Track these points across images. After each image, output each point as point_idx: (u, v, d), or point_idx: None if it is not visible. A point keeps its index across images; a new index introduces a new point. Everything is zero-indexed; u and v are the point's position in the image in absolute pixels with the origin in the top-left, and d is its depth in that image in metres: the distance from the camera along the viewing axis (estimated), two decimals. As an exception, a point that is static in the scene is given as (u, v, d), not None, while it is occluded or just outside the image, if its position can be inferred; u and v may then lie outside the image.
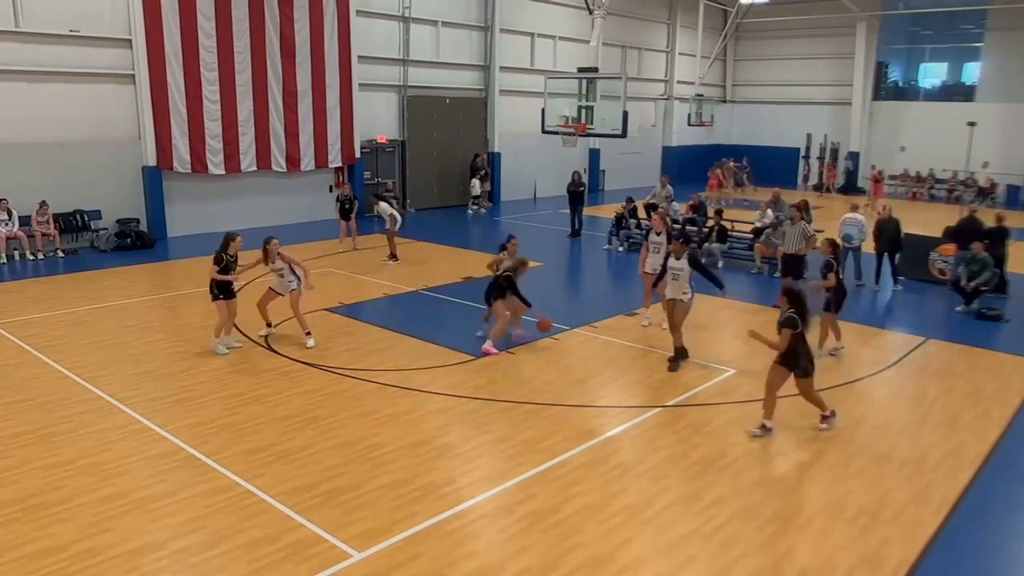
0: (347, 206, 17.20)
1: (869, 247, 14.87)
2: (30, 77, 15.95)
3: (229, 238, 10.02)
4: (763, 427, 7.86)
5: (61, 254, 16.20)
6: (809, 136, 33.92)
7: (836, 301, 10.26)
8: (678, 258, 9.86)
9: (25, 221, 15.85)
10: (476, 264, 16.07)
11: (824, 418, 8.04)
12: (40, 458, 7.04)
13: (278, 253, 10.34)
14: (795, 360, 7.67)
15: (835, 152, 32.99)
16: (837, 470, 7.15)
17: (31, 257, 15.82)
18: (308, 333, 10.53)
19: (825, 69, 34.02)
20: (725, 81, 37.50)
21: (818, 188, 32.33)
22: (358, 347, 10.49)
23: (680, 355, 9.99)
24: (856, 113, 32.99)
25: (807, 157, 33.96)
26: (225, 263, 9.90)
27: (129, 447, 7.32)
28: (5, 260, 15.38)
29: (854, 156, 32.87)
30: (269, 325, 10.77)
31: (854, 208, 15.26)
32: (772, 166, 31.87)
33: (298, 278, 10.52)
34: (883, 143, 32.76)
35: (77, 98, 16.69)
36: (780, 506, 6.47)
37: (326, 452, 7.27)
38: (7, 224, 15.49)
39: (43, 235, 16.02)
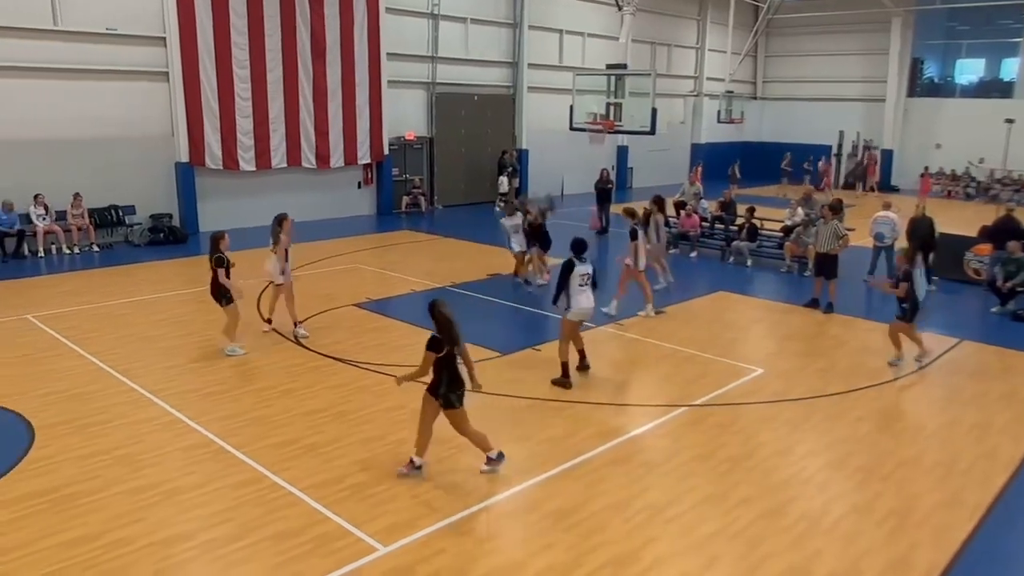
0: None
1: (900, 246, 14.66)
2: (68, 75, 16.27)
3: (218, 237, 9.71)
4: (411, 464, 6.77)
5: (96, 248, 16.51)
6: (841, 133, 33.44)
7: (911, 310, 9.79)
8: None
9: (61, 216, 16.19)
10: (503, 261, 16.08)
11: (489, 460, 6.81)
12: (75, 448, 7.20)
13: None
14: (436, 388, 6.57)
15: (867, 149, 32.48)
16: (866, 472, 7.06)
17: (67, 251, 16.13)
18: (298, 323, 10.74)
19: (858, 65, 33.45)
20: (755, 78, 37.08)
21: (851, 187, 31.81)
22: (386, 343, 10.56)
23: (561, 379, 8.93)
24: (890, 110, 32.42)
25: (839, 155, 33.48)
26: (227, 263, 9.68)
27: (161, 439, 7.45)
28: (43, 254, 15.72)
29: (888, 154, 32.32)
30: (269, 321, 10.84)
31: (887, 206, 15.03)
32: (802, 164, 31.33)
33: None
34: (918, 140, 32.17)
35: (113, 96, 16.98)
36: (808, 507, 6.40)
37: (353, 446, 7.34)
38: (44, 219, 15.83)
39: (79, 229, 16.34)
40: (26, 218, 15.68)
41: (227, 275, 9.69)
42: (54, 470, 6.77)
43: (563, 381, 8.92)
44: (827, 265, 12.53)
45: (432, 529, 5.92)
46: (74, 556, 5.50)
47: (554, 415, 8.17)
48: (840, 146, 33.56)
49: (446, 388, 6.52)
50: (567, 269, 8.78)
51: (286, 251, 10.42)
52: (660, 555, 5.67)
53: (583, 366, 9.33)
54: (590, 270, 8.87)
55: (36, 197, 15.74)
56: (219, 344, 10.05)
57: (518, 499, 6.48)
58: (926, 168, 28.51)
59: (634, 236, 11.93)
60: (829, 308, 12.44)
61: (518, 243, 13.49)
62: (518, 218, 13.49)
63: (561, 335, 9.00)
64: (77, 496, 6.32)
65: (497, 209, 24.10)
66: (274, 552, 5.60)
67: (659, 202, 13.65)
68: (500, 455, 6.84)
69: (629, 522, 6.10)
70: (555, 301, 8.98)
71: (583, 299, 8.82)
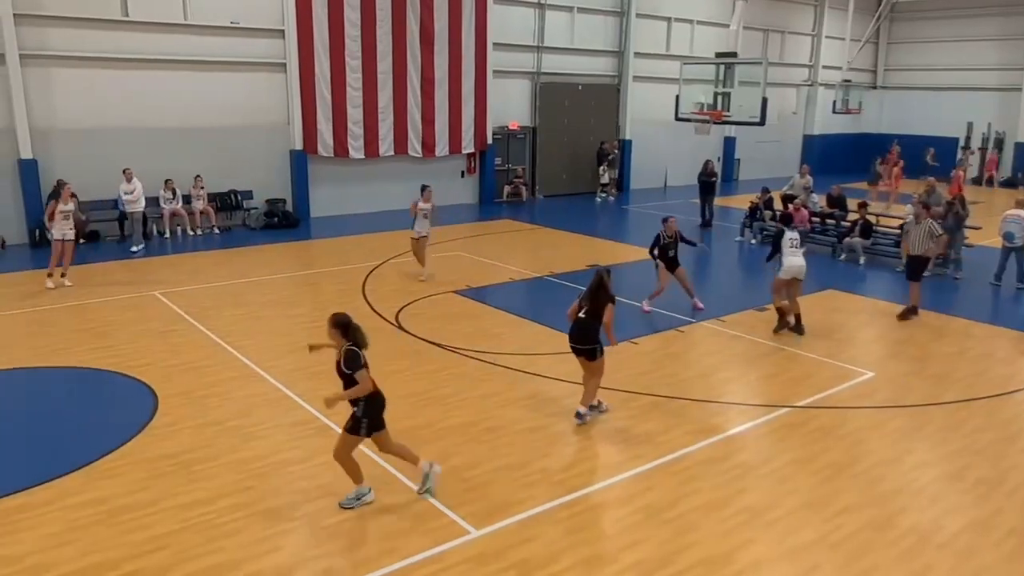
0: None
1: None
2: (194, 66, 17.26)
3: None
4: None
5: (217, 231, 17.48)
6: (970, 125, 31.27)
7: None
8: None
9: (187, 200, 17.20)
10: (602, 251, 15.98)
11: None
12: (193, 418, 7.68)
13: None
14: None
15: (1000, 142, 30.33)
16: (987, 486, 6.62)
17: (191, 233, 17.17)
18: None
19: (992, 51, 31.13)
20: (876, 66, 35.14)
21: (977, 181, 29.77)
22: (483, 329, 10.71)
23: None
24: (1029, 100, 30.05)
25: (967, 147, 31.35)
26: None
27: (269, 413, 7.84)
28: (168, 235, 16.79)
29: (1022, 147, 30.01)
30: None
31: (1019, 204, 13.96)
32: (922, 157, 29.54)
33: None
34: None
35: (234, 86, 17.90)
36: (918, 520, 6.07)
37: (447, 430, 7.49)
38: (171, 202, 16.88)
39: (201, 213, 17.34)
40: (153, 201, 16.69)
41: None
42: (174, 436, 7.24)
43: (778, 326, 10.59)
44: (921, 268, 11.53)
45: (522, 516, 5.98)
46: (192, 517, 5.88)
47: (649, 410, 8.08)
48: (968, 138, 31.41)
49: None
50: (779, 236, 10.51)
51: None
52: (755, 559, 5.52)
53: (798, 329, 10.54)
54: (797, 236, 10.46)
55: (167, 183, 16.75)
56: None
57: (610, 492, 6.44)
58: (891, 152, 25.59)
59: None
60: (908, 314, 11.53)
61: (422, 226, 13.16)
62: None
63: (773, 289, 10.63)
64: (193, 463, 6.75)
65: (598, 200, 23.96)
66: (374, 527, 5.80)
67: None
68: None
69: (724, 523, 5.96)
70: (769, 259, 10.83)
71: (792, 259, 10.32)
